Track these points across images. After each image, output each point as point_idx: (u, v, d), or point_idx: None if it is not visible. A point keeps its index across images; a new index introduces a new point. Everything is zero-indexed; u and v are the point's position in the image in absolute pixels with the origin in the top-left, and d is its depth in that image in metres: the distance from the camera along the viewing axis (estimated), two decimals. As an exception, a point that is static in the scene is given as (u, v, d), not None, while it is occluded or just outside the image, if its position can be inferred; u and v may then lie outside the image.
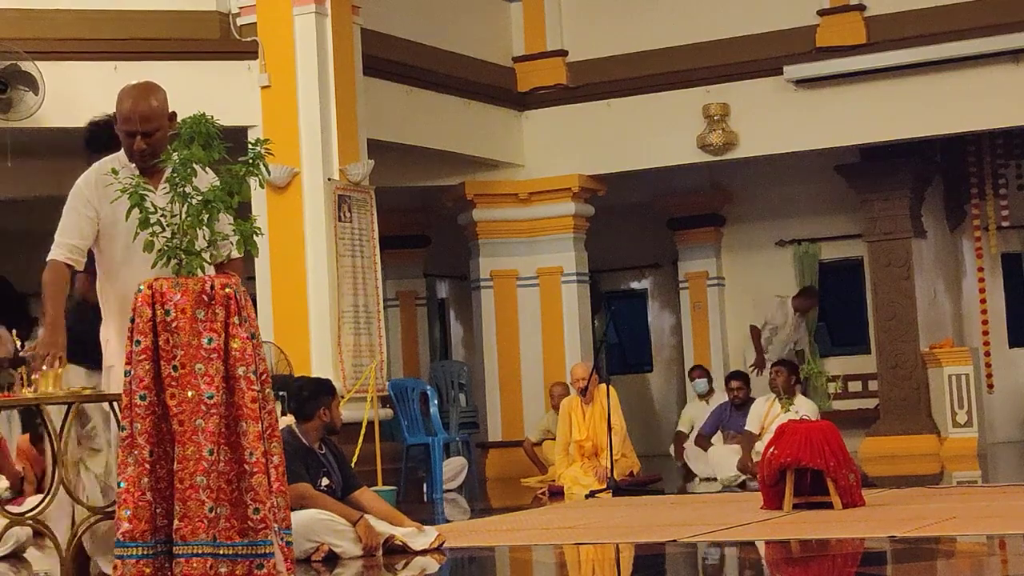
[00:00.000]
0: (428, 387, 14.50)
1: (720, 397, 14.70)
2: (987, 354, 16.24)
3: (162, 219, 5.24)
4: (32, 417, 10.00)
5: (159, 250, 5.21)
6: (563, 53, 15.91)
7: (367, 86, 12.77)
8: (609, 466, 12.10)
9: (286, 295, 12.02)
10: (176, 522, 5.01)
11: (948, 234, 16.69)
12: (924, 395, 15.36)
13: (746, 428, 12.56)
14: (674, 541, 7.67)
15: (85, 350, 5.69)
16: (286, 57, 12.11)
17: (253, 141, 5.39)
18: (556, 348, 15.59)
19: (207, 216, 5.26)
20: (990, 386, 16.09)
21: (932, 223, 16.31)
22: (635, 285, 18.54)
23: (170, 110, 5.61)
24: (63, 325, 5.53)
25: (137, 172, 5.51)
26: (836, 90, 14.60)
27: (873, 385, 16.16)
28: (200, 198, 5.24)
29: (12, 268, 15.39)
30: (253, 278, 11.72)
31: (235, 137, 5.59)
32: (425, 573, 7.31)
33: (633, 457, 13.05)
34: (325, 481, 7.81)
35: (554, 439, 13.24)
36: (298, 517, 6.80)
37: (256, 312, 5.46)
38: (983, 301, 16.55)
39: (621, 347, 18.65)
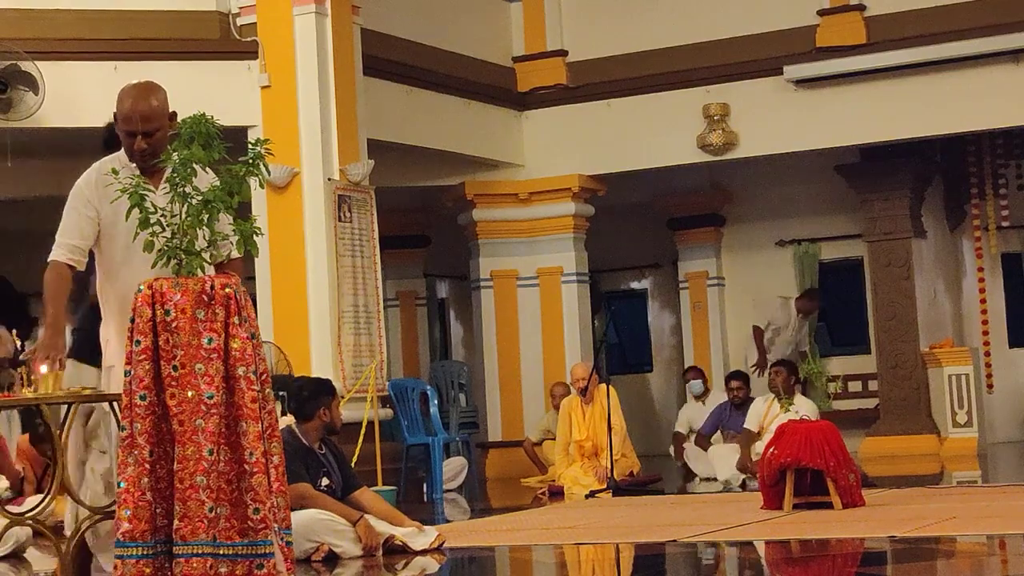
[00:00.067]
0: (428, 387, 14.49)
1: (716, 397, 14.71)
2: (987, 354, 16.24)
3: (162, 219, 5.23)
4: (32, 417, 10.01)
5: (159, 250, 5.21)
6: (563, 53, 15.91)
7: (367, 86, 12.77)
8: (609, 466, 12.10)
9: (286, 295, 12.02)
10: (176, 522, 5.01)
11: (948, 234, 16.69)
12: (924, 395, 15.36)
13: (745, 426, 12.57)
14: (674, 541, 7.67)
15: (98, 350, 5.69)
16: (286, 57, 12.11)
17: (253, 141, 5.38)
18: (556, 348, 15.59)
19: (207, 216, 5.26)
20: (990, 386, 16.09)
21: (932, 223, 16.31)
22: (635, 285, 18.54)
23: (170, 110, 5.61)
24: (63, 326, 5.53)
25: (137, 172, 5.51)
26: (836, 90, 14.60)
27: (873, 385, 16.16)
28: (200, 198, 5.24)
29: (12, 268, 15.40)
30: (253, 278, 11.72)
31: (235, 137, 5.59)
32: (425, 573, 7.31)
33: (633, 457, 13.05)
34: (325, 481, 7.81)
35: (554, 439, 13.24)
36: (298, 517, 6.81)
37: (256, 312, 5.45)
38: (983, 301, 16.55)
39: (621, 347, 18.66)
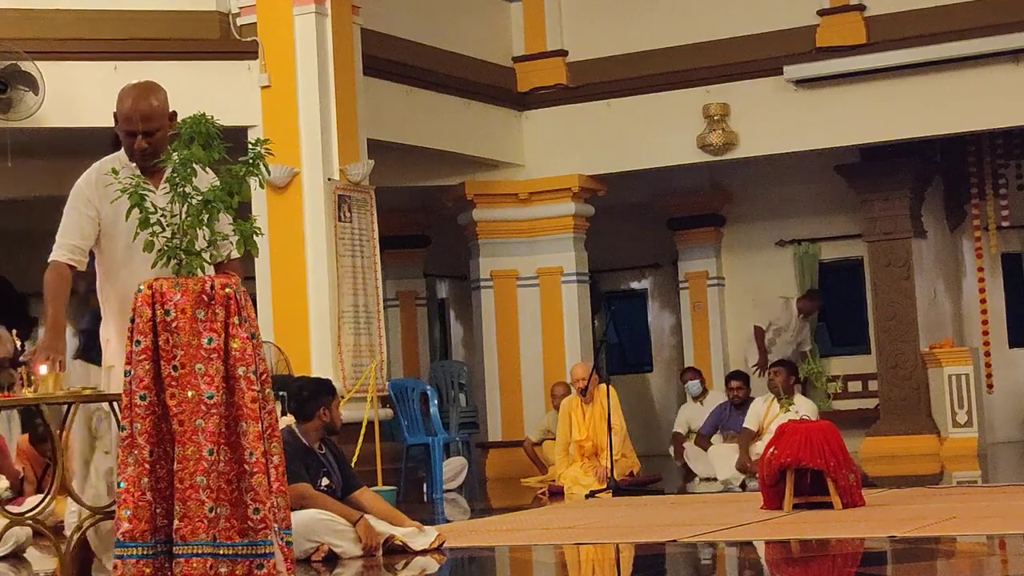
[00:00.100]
0: (428, 387, 14.49)
1: (715, 398, 14.73)
2: (987, 354, 16.24)
3: (162, 219, 5.23)
4: (32, 417, 10.01)
5: (159, 250, 5.21)
6: (563, 53, 15.91)
7: (367, 86, 12.77)
8: (609, 466, 12.10)
9: (286, 295, 12.02)
10: (176, 522, 5.01)
11: (948, 234, 16.70)
12: (924, 395, 15.36)
13: (744, 426, 12.57)
14: (674, 541, 7.67)
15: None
16: (286, 57, 12.12)
17: (253, 141, 5.38)
18: (556, 348, 15.59)
19: (207, 216, 5.25)
20: (990, 386, 16.09)
21: (932, 223, 16.32)
22: (635, 285, 18.54)
23: (170, 110, 5.61)
24: (63, 327, 5.53)
25: (138, 172, 5.50)
26: (836, 90, 14.60)
27: (873, 385, 16.16)
28: (200, 198, 5.24)
29: (12, 268, 15.39)
30: (253, 278, 11.72)
31: (235, 137, 5.58)
32: (425, 573, 7.31)
33: (633, 457, 13.05)
34: (325, 481, 7.81)
35: (555, 439, 13.24)
36: (298, 517, 6.80)
37: (256, 312, 5.45)
38: (983, 301, 16.55)
39: (621, 347, 18.66)
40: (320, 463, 7.84)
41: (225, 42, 12.33)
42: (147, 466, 5.06)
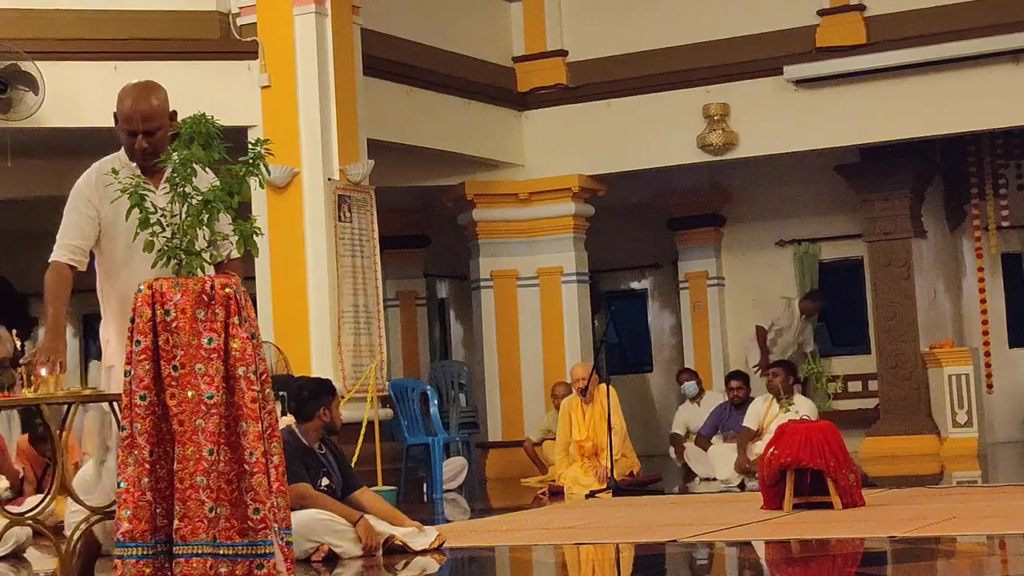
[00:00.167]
0: (428, 387, 14.49)
1: (712, 398, 14.75)
2: (987, 354, 16.24)
3: (162, 219, 5.23)
4: (32, 417, 10.01)
5: (159, 250, 5.21)
6: (563, 53, 15.91)
7: (367, 86, 12.77)
8: (609, 466, 12.10)
9: (286, 295, 12.02)
10: (176, 522, 5.01)
11: (948, 234, 16.70)
12: (924, 395, 15.37)
13: (744, 425, 12.57)
14: (674, 541, 7.67)
15: None
16: (286, 57, 12.12)
17: (253, 141, 5.38)
18: (556, 348, 15.59)
19: (207, 216, 5.25)
20: (990, 386, 16.09)
21: (932, 223, 16.32)
22: (635, 285, 18.54)
23: (170, 109, 5.61)
24: (64, 328, 5.52)
25: (138, 171, 5.50)
26: (836, 90, 14.60)
27: (873, 385, 16.16)
28: (200, 198, 5.24)
29: (12, 268, 15.41)
30: (253, 278, 11.72)
31: (235, 137, 5.58)
32: (425, 573, 7.31)
33: (633, 457, 13.05)
34: (325, 481, 7.81)
35: (555, 439, 13.23)
36: (298, 517, 6.80)
37: (256, 312, 5.45)
38: (983, 301, 16.56)
39: (621, 347, 18.66)
40: (320, 463, 7.84)
41: (225, 42, 12.33)
42: (147, 466, 5.06)
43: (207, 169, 5.42)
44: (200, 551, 5.00)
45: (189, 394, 5.05)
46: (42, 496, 5.79)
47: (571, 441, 12.73)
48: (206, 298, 5.12)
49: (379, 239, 12.65)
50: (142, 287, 5.14)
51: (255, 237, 5.35)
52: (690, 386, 15.01)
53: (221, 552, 5.02)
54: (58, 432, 5.50)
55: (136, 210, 5.24)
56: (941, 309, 16.43)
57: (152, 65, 11.09)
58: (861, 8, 14.66)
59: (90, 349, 17.95)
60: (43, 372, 5.34)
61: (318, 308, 11.97)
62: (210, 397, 5.04)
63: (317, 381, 8.38)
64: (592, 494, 11.77)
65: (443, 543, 7.76)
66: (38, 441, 10.54)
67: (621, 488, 11.84)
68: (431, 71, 14.39)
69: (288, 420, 7.84)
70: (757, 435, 12.34)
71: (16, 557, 8.68)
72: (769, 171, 16.44)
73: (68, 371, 5.64)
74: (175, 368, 5.07)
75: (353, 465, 9.26)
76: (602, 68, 15.66)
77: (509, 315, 15.73)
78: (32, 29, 11.82)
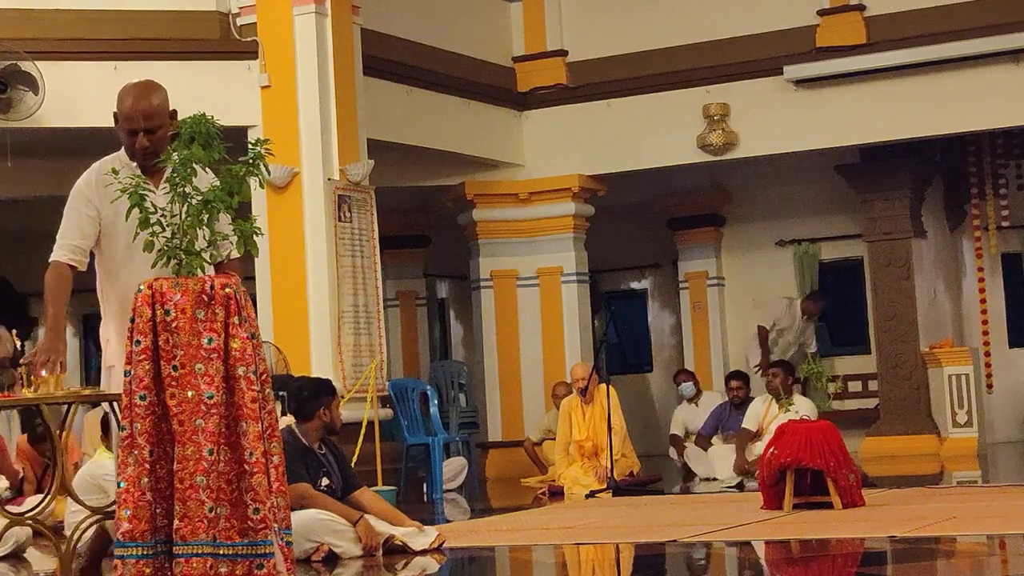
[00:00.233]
0: (428, 387, 14.49)
1: (709, 398, 14.76)
2: (987, 354, 16.24)
3: (162, 219, 5.23)
4: (32, 417, 10.01)
5: (159, 250, 5.21)
6: (563, 53, 15.91)
7: (367, 86, 12.77)
8: (609, 466, 12.10)
9: (286, 295, 12.02)
10: (176, 522, 5.01)
11: (948, 234, 16.70)
12: (924, 395, 15.36)
13: (743, 426, 12.57)
14: (674, 541, 7.67)
15: None
16: (286, 57, 12.11)
17: (253, 141, 5.38)
18: (556, 348, 15.59)
19: (207, 216, 5.25)
20: (990, 386, 16.09)
21: (932, 223, 16.32)
22: (635, 285, 18.54)
23: (170, 108, 5.61)
24: (64, 328, 5.52)
25: (138, 171, 5.50)
26: (836, 90, 14.60)
27: (873, 385, 16.16)
28: (200, 198, 5.24)
29: (12, 268, 15.41)
30: (253, 278, 11.72)
31: (235, 137, 5.58)
32: (425, 573, 7.31)
33: (633, 457, 13.05)
34: (325, 481, 7.80)
35: (555, 439, 13.23)
36: (298, 517, 6.80)
37: (256, 312, 5.45)
38: (983, 301, 16.56)
39: (621, 347, 18.66)
40: (320, 463, 7.84)
41: (225, 42, 12.33)
42: (147, 466, 5.06)
43: (207, 169, 5.42)
44: (200, 551, 5.00)
45: (189, 394, 5.05)
46: (42, 496, 5.79)
47: (571, 441, 12.73)
48: (206, 298, 5.12)
49: (379, 239, 12.65)
50: (142, 287, 5.14)
51: (255, 237, 5.35)
52: (687, 387, 15.01)
53: (221, 552, 5.02)
54: (58, 432, 5.50)
55: (136, 210, 5.24)
56: (941, 309, 16.43)
57: (152, 65, 11.08)
58: (861, 8, 14.66)
59: (90, 349, 17.96)
60: (43, 372, 5.34)
61: (318, 308, 11.97)
62: (210, 397, 5.04)
63: (317, 381, 8.38)
64: (592, 494, 11.77)
65: (443, 543, 7.76)
66: (37, 441, 10.54)
67: (621, 488, 11.84)
68: (431, 71, 14.39)
69: (288, 420, 7.84)
70: (756, 436, 12.33)
71: (16, 557, 8.68)
72: (769, 171, 16.44)
73: (68, 371, 5.64)
74: (175, 368, 5.07)
75: (353, 465, 9.26)
76: (602, 68, 15.66)
77: (509, 315, 15.73)
78: (32, 29, 11.82)
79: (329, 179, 12.05)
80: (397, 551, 7.62)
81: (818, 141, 14.86)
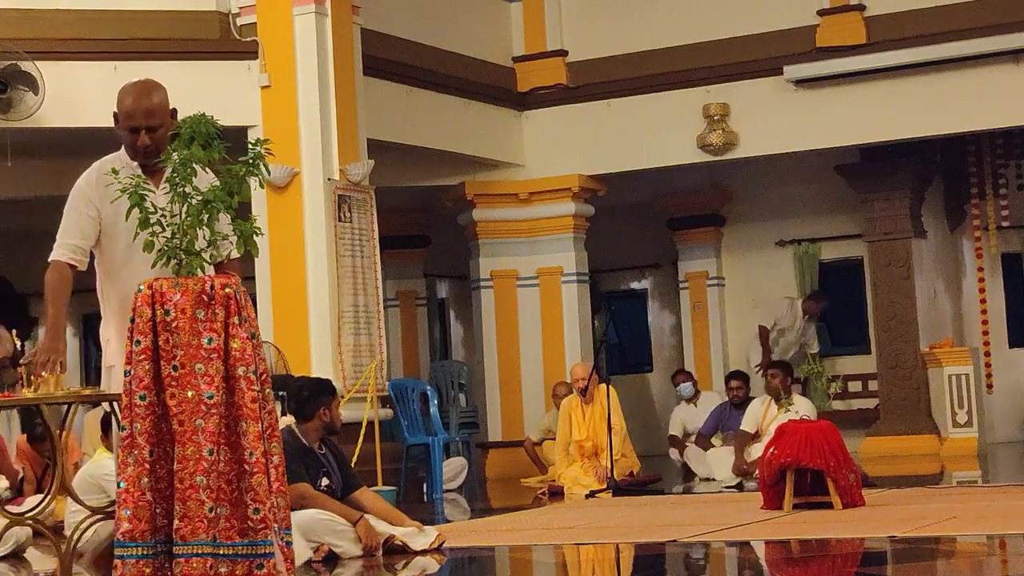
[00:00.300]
0: (428, 387, 14.49)
1: (708, 398, 14.76)
2: (987, 354, 16.24)
3: (162, 219, 5.23)
4: (32, 417, 10.01)
5: (159, 250, 5.21)
6: (563, 53, 15.92)
7: (367, 86, 12.77)
8: (609, 466, 12.10)
9: (286, 295, 12.02)
10: (176, 522, 5.01)
11: (948, 234, 16.70)
12: (924, 395, 15.37)
13: (741, 428, 12.56)
14: (674, 541, 7.67)
15: None
16: (286, 57, 12.11)
17: (253, 141, 5.38)
18: (556, 348, 15.59)
19: (207, 216, 5.25)
20: (990, 386, 16.09)
21: (932, 223, 16.32)
22: (635, 285, 18.55)
23: (170, 107, 5.61)
24: (64, 328, 5.52)
25: (139, 171, 5.50)
26: (836, 90, 14.60)
27: (873, 385, 16.16)
28: (200, 198, 5.23)
29: (12, 268, 15.42)
30: (253, 278, 11.72)
31: (235, 137, 5.58)
32: (425, 573, 7.31)
33: (633, 457, 13.05)
34: (325, 481, 7.80)
35: (555, 439, 13.23)
36: (298, 517, 6.80)
37: (256, 312, 5.45)
38: (983, 301, 16.56)
39: (621, 347, 18.66)
40: (320, 463, 7.84)
41: (225, 42, 12.33)
42: (147, 466, 5.06)
43: (207, 169, 5.42)
44: (200, 551, 5.00)
45: (189, 394, 5.05)
46: (42, 496, 5.79)
47: (571, 441, 12.73)
48: (206, 298, 5.11)
49: (379, 239, 12.65)
50: (142, 287, 5.14)
51: (255, 237, 5.34)
52: (686, 387, 15.01)
53: (221, 552, 5.01)
54: (58, 432, 5.50)
55: (136, 210, 5.24)
56: (941, 309, 16.43)
57: (152, 65, 11.05)
58: (861, 8, 14.66)
59: (90, 349, 17.96)
60: (43, 372, 5.34)
61: (318, 308, 11.97)
62: (210, 397, 5.04)
63: (317, 381, 8.38)
64: (592, 494, 11.77)
65: (443, 543, 7.76)
66: (37, 441, 10.54)
67: (621, 488, 11.84)
68: (431, 71, 14.39)
69: (288, 420, 7.83)
70: (755, 437, 12.32)
71: (16, 557, 8.68)
72: (769, 171, 16.44)
73: (68, 371, 5.64)
74: (175, 368, 5.07)
75: (353, 465, 9.26)
76: (602, 68, 15.66)
77: (509, 315, 15.73)
78: (32, 29, 11.81)
79: (329, 179, 12.05)
80: (397, 551, 7.62)
81: (818, 141, 14.86)
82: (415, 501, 12.11)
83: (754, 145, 15.04)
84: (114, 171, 5.44)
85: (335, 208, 12.09)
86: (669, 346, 18.08)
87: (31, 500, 9.07)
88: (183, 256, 5.21)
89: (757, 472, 9.85)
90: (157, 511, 5.08)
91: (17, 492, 10.27)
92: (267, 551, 5.04)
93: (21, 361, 5.65)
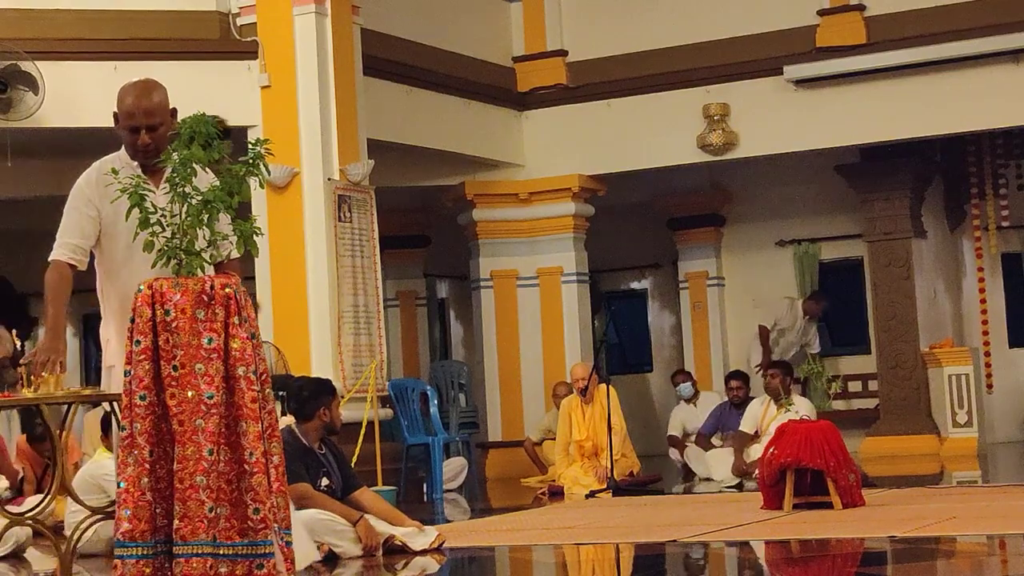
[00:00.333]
0: (428, 387, 14.49)
1: (707, 398, 14.76)
2: (987, 354, 16.24)
3: (162, 219, 5.23)
4: (32, 417, 10.01)
5: (159, 250, 5.21)
6: (563, 53, 15.92)
7: (367, 86, 12.77)
8: (609, 466, 12.10)
9: (286, 295, 12.01)
10: (176, 522, 5.01)
11: (948, 234, 16.70)
12: (924, 395, 15.37)
13: (739, 428, 12.56)
14: (674, 541, 7.67)
15: None
16: (286, 57, 12.11)
17: (253, 141, 5.38)
18: (556, 348, 15.59)
19: (207, 216, 5.25)
20: (990, 386, 16.09)
21: (932, 223, 16.32)
22: (635, 285, 18.55)
23: (170, 107, 5.61)
24: (64, 328, 5.52)
25: (139, 171, 5.50)
26: (836, 90, 14.60)
27: (873, 385, 16.16)
28: (200, 198, 5.24)
29: (12, 268, 15.42)
30: (253, 278, 11.72)
31: (235, 137, 5.58)
32: (425, 573, 7.31)
33: (633, 457, 13.05)
34: (325, 481, 7.80)
35: (555, 439, 13.23)
36: (298, 517, 6.80)
37: (256, 312, 5.45)
38: (983, 301, 16.56)
39: (621, 347, 18.66)
40: (320, 463, 7.84)
41: (225, 42, 12.33)
42: (147, 466, 5.06)
43: (207, 169, 5.42)
44: (200, 551, 5.00)
45: (189, 394, 5.05)
46: (42, 496, 5.79)
47: (571, 441, 12.73)
48: (206, 298, 5.11)
49: (379, 239, 12.65)
50: (142, 287, 5.14)
51: (255, 237, 5.34)
52: (685, 387, 15.02)
53: (221, 552, 5.02)
54: (58, 432, 5.50)
55: (136, 210, 5.24)
56: (941, 309, 16.43)
57: (152, 65, 11.04)
58: (861, 8, 14.66)
59: (90, 349, 17.96)
60: (43, 374, 5.33)
61: (318, 308, 11.96)
62: (210, 397, 5.04)
63: (317, 381, 8.38)
64: (592, 494, 11.77)
65: (443, 543, 7.76)
66: (37, 441, 10.54)
67: (621, 488, 11.84)
68: (431, 71, 14.39)
69: (288, 420, 7.83)
70: (754, 438, 12.31)
71: (16, 557, 8.68)
72: (769, 171, 16.44)
73: (68, 371, 5.63)
74: (175, 368, 5.07)
75: (353, 465, 9.26)
76: (602, 68, 15.66)
77: (509, 315, 15.73)
78: (32, 29, 11.81)
79: (329, 179, 12.05)
80: (397, 551, 7.62)
81: (818, 141, 14.86)
82: (415, 501, 12.11)
83: (754, 145, 15.04)
84: (114, 171, 5.44)
85: (335, 208, 12.09)
86: (669, 346, 18.08)
87: (31, 500, 9.07)
88: (183, 256, 5.21)
89: (757, 472, 9.85)
90: (157, 511, 5.08)
91: (17, 492, 10.27)
92: (267, 551, 5.04)
93: (21, 361, 5.64)
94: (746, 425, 12.50)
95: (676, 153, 15.32)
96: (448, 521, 10.21)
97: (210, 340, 5.08)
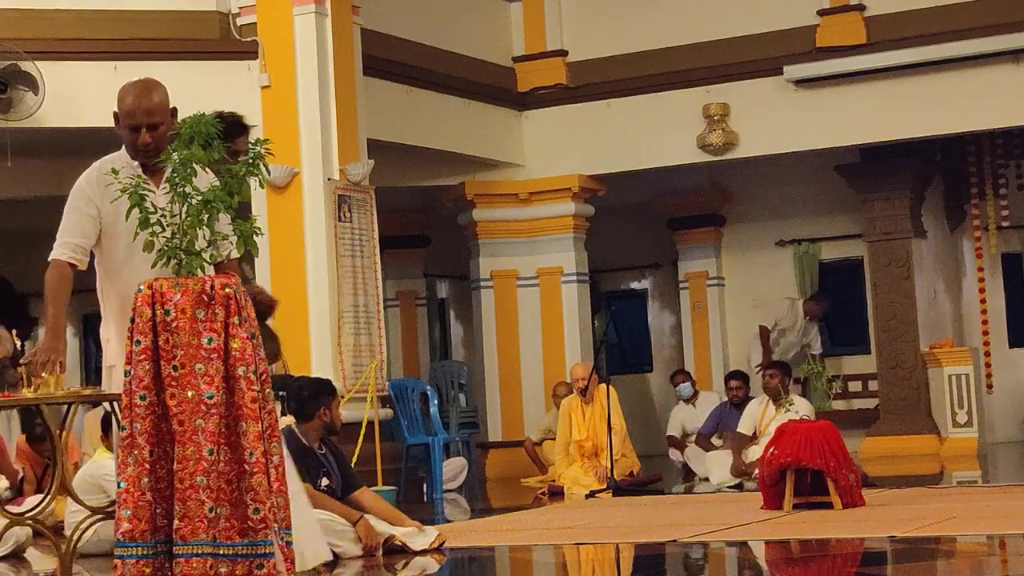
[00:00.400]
0: (428, 387, 14.50)
1: (707, 398, 14.76)
2: (987, 354, 16.24)
3: (162, 219, 5.23)
4: (32, 417, 10.00)
5: (159, 250, 5.21)
6: (563, 53, 15.91)
7: (367, 86, 12.77)
8: (609, 466, 12.10)
9: (286, 295, 11.97)
10: (176, 522, 5.01)
11: (948, 234, 16.70)
12: (924, 395, 15.37)
13: (737, 429, 12.55)
14: (674, 541, 7.67)
15: None
16: (286, 57, 12.11)
17: (253, 141, 5.38)
18: (556, 348, 15.59)
19: (207, 216, 5.25)
20: (990, 386, 16.09)
21: (932, 223, 16.32)
22: (635, 285, 18.55)
23: (170, 106, 5.61)
24: (64, 328, 5.52)
25: (139, 170, 5.50)
26: (836, 90, 14.60)
27: (873, 385, 16.16)
28: (200, 198, 5.24)
29: (12, 268, 15.41)
30: (253, 278, 11.70)
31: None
32: (425, 573, 7.31)
33: (633, 457, 13.05)
34: (325, 481, 7.80)
35: (555, 439, 13.23)
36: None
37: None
38: (983, 301, 16.56)
39: (621, 347, 18.66)
40: (320, 463, 7.84)
41: (225, 42, 12.32)
42: (147, 466, 5.06)
43: (207, 169, 5.42)
44: (200, 551, 5.00)
45: (189, 394, 5.05)
46: (42, 496, 5.79)
47: (571, 441, 12.73)
48: (206, 298, 5.11)
49: (379, 239, 12.65)
50: (142, 287, 5.14)
51: (255, 237, 5.35)
52: (685, 388, 15.02)
53: (221, 552, 5.01)
54: (58, 432, 5.50)
55: (136, 210, 5.24)
56: (941, 309, 16.43)
57: (152, 65, 11.03)
58: (861, 8, 14.66)
59: (90, 349, 17.96)
60: (43, 374, 5.33)
61: (318, 308, 11.96)
62: (210, 397, 5.04)
63: (317, 381, 8.38)
64: (592, 494, 11.77)
65: (443, 543, 7.76)
66: (36, 441, 10.54)
67: (621, 488, 11.84)
68: (431, 71, 14.39)
69: (288, 420, 7.84)
70: (752, 439, 12.29)
71: (16, 557, 8.68)
72: (769, 171, 16.44)
73: (68, 371, 5.63)
74: (175, 368, 5.07)
75: (353, 465, 9.26)
76: (602, 68, 15.66)
77: (509, 315, 15.73)
78: (32, 29, 11.81)
79: (329, 179, 12.05)
80: (397, 551, 7.63)
81: (818, 141, 14.86)
82: (415, 501, 12.12)
83: (754, 145, 15.04)
84: (114, 171, 5.44)
85: (335, 208, 12.09)
86: (669, 346, 18.08)
87: (31, 500, 9.07)
88: (183, 256, 5.21)
89: (756, 472, 9.85)
90: (157, 511, 5.08)
91: (17, 492, 10.27)
92: (267, 551, 5.04)
93: (21, 361, 5.65)
94: (744, 426, 12.49)
95: (676, 153, 15.32)
96: (448, 521, 10.21)
97: (210, 340, 5.08)
